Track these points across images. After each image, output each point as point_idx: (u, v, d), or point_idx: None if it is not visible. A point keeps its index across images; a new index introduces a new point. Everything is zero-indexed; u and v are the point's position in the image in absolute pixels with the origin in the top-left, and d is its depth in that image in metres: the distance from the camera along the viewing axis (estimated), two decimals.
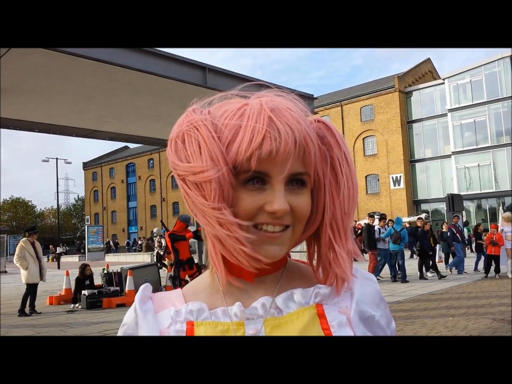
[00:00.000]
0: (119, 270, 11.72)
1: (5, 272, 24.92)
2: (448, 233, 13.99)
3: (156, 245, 15.81)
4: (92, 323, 8.22)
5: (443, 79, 39.04)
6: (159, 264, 14.31)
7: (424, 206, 40.48)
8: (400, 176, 40.71)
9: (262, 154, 0.62)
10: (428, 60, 45.90)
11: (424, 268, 12.61)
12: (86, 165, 71.50)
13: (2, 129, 14.19)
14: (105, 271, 11.81)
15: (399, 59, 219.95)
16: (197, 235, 9.20)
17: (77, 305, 10.22)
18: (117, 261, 28.82)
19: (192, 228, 9.64)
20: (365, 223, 13.43)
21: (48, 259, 35.80)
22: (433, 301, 8.74)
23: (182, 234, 8.99)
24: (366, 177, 43.34)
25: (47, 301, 11.10)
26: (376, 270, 12.39)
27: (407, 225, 17.85)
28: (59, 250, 32.18)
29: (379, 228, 12.84)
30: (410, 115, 41.37)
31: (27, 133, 16.34)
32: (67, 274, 11.84)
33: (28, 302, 9.57)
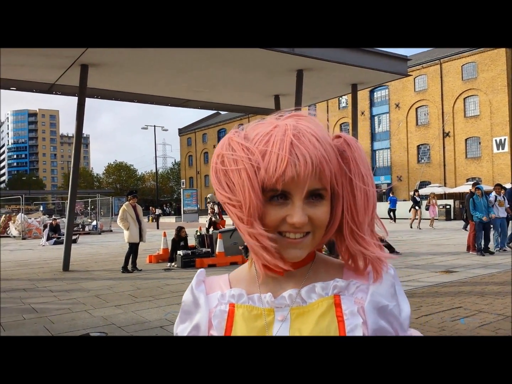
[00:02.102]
0: (210, 233, 12.38)
1: (111, 231, 27.27)
2: None
3: (209, 211, 15.38)
4: (187, 281, 8.88)
5: None
6: (210, 230, 14.07)
7: None
8: (505, 139, 37.59)
9: (286, 179, 0.75)
10: None
11: None
12: (181, 131, 74.64)
13: (106, 100, 15.29)
14: (198, 233, 12.54)
15: None
16: None
17: (173, 264, 11.03)
18: None
19: None
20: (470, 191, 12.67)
21: (149, 220, 38.47)
22: None
23: None
24: (466, 140, 40.61)
25: (147, 259, 12.10)
26: (496, 241, 11.85)
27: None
28: (157, 211, 34.37)
29: (495, 196, 12.10)
30: None
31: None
32: (164, 235, 12.75)
33: (130, 260, 10.53)
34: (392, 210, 26.21)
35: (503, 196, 12.08)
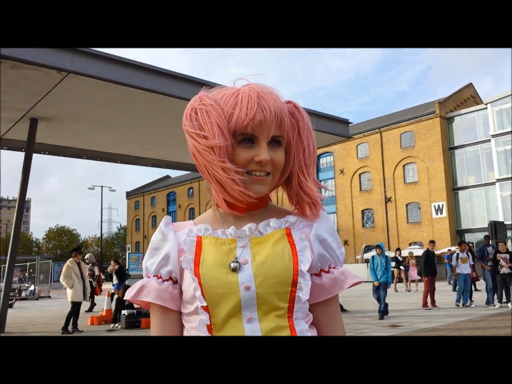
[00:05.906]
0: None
1: (49, 297, 25.70)
2: None
3: (87, 274, 12.43)
4: None
5: (486, 104, 38.27)
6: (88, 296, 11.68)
7: (468, 236, 38.99)
8: (443, 205, 39.68)
9: (255, 122, 0.93)
10: (470, 85, 45.17)
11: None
12: (129, 194, 73.50)
13: (54, 156, 14.93)
14: None
15: (444, 85, 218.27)
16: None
17: (116, 324, 10.47)
18: None
19: None
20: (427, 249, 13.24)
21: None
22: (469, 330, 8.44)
23: None
24: (406, 205, 42.48)
25: (88, 321, 11.42)
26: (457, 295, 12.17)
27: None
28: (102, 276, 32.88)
29: (457, 253, 12.71)
30: (452, 141, 40.58)
31: (81, 163, 16.91)
32: (109, 295, 12.16)
33: (71, 321, 9.90)
34: None
35: (466, 253, 12.65)
